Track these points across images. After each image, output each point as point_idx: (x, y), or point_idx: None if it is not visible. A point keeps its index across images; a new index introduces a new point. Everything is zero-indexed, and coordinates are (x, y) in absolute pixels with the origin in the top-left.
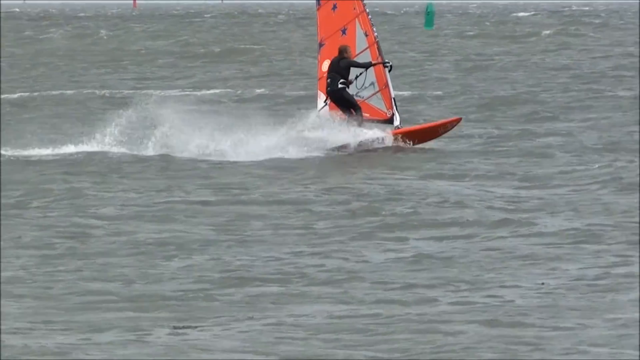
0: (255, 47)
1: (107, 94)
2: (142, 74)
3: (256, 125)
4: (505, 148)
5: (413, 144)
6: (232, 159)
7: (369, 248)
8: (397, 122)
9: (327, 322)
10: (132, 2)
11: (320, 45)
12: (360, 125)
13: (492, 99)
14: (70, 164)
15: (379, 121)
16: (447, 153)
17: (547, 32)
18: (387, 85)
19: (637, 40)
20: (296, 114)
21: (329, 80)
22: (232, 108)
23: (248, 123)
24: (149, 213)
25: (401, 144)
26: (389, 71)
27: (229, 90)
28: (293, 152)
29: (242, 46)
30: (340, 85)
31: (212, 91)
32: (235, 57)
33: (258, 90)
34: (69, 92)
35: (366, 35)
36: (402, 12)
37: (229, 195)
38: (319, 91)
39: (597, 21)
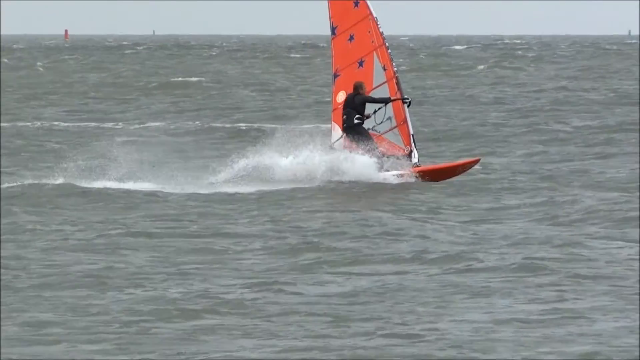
0: (190, 80)
1: (43, 127)
2: (77, 106)
3: (197, 158)
4: (442, 182)
5: (430, 181)
6: (176, 192)
7: (305, 281)
8: (415, 159)
9: (259, 356)
10: (63, 33)
11: (335, 75)
12: (379, 159)
13: (428, 133)
14: (7, 197)
15: (396, 157)
16: (384, 187)
17: (482, 67)
18: (405, 121)
19: (571, 74)
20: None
21: (344, 117)
22: (170, 141)
23: (187, 157)
24: (85, 245)
25: (412, 179)
26: (408, 107)
27: (164, 123)
28: (235, 184)
29: (178, 79)
30: (356, 121)
31: (148, 124)
32: (170, 90)
33: (194, 124)
34: (4, 124)
35: (384, 69)
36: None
37: (165, 228)
38: (333, 123)
39: (530, 54)
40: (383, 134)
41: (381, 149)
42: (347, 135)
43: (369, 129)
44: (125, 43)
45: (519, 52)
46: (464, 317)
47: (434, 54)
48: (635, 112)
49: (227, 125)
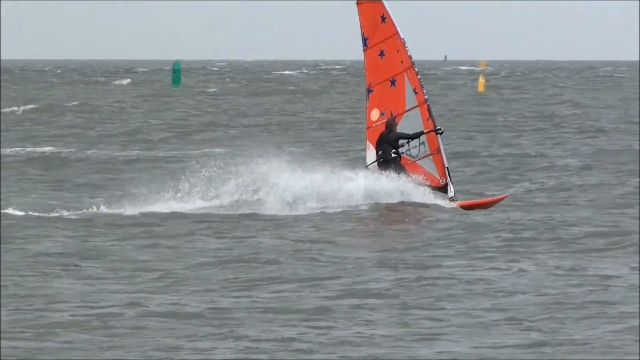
0: (14, 108)
1: None
2: None
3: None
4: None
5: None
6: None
7: (152, 302)
8: (451, 193)
9: None
10: None
11: (369, 91)
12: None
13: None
14: None
15: (431, 187)
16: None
17: (314, 87)
18: (438, 151)
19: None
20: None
21: (380, 152)
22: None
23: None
24: None
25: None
26: (440, 135)
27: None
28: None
29: (28, 107)
30: (393, 155)
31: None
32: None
33: (16, 150)
34: None
35: (415, 93)
36: (152, 69)
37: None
38: (368, 142)
39: (352, 80)
40: (417, 160)
41: (417, 177)
42: (382, 169)
43: (402, 153)
44: None
45: (347, 78)
46: (330, 333)
47: (262, 79)
48: (463, 140)
49: (49, 151)
